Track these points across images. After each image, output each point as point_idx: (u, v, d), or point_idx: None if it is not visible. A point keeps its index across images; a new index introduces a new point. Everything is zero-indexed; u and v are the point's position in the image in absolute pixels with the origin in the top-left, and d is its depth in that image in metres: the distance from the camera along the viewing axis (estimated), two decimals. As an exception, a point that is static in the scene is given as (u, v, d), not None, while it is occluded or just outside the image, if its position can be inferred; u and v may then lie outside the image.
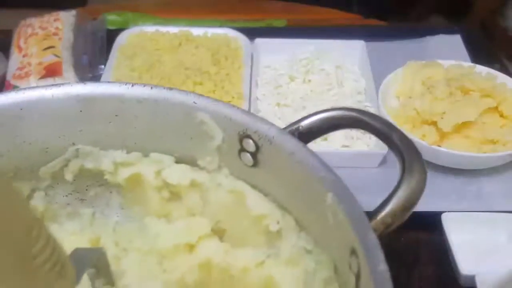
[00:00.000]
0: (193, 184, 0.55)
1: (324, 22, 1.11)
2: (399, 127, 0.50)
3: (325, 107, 0.53)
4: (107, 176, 0.57)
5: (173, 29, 0.99)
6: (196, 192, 0.56)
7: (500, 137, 0.77)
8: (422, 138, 0.77)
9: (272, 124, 0.49)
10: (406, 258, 0.70)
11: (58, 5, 1.08)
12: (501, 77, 0.86)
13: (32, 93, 0.52)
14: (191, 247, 0.54)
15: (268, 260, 0.53)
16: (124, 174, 0.56)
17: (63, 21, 0.98)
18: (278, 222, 0.52)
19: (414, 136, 0.76)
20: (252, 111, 0.81)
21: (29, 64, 0.90)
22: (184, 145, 0.54)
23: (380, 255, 0.38)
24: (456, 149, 0.76)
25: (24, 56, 0.92)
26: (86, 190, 0.59)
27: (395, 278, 0.37)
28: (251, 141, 0.50)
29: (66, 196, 0.59)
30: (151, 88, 0.52)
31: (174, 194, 0.57)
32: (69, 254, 0.41)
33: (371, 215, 0.44)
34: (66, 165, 0.56)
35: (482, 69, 0.87)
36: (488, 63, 0.91)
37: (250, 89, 0.87)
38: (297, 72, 0.91)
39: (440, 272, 0.69)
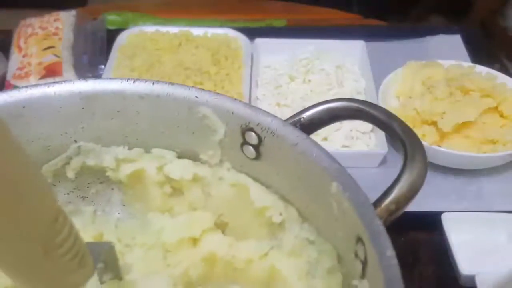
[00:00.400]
0: (195, 179, 0.56)
1: (324, 22, 1.11)
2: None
3: (325, 107, 0.53)
4: (109, 173, 0.57)
5: (173, 29, 0.99)
6: (198, 186, 0.56)
7: (500, 137, 0.77)
8: (422, 138, 0.77)
9: (275, 116, 0.49)
10: (406, 258, 0.70)
11: (58, 5, 1.08)
12: (501, 77, 0.86)
13: (34, 91, 0.52)
14: (194, 241, 0.55)
15: (271, 252, 0.53)
16: (126, 170, 0.56)
17: (63, 21, 0.98)
18: (281, 214, 0.52)
19: (414, 136, 0.76)
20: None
21: (29, 64, 0.90)
22: (186, 140, 0.55)
23: (386, 241, 0.39)
24: (456, 149, 0.76)
25: (24, 56, 0.92)
26: (87, 187, 0.59)
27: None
28: (253, 134, 0.50)
29: (68, 194, 0.59)
30: (153, 83, 0.52)
31: (176, 189, 0.57)
32: None
33: (375, 204, 0.44)
34: (68, 163, 0.56)
35: (482, 69, 0.87)
36: (488, 63, 0.91)
37: (250, 89, 0.87)
38: (297, 72, 0.91)
39: (440, 272, 0.69)
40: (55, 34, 0.95)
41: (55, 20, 0.98)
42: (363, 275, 0.42)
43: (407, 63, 0.89)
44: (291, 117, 0.52)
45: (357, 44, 0.96)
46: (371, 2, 1.54)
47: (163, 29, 0.99)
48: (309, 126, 0.52)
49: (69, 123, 0.54)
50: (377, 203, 0.45)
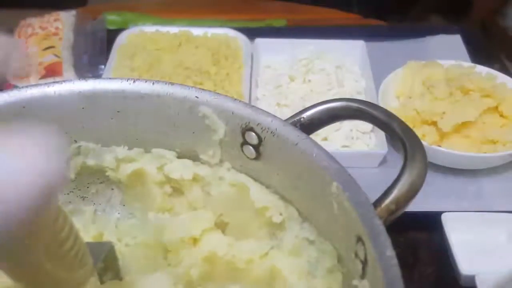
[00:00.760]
0: (195, 179, 0.56)
1: (324, 22, 1.11)
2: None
3: (325, 108, 0.53)
4: (109, 173, 0.57)
5: (173, 29, 0.99)
6: (198, 186, 0.56)
7: (500, 137, 0.77)
8: (422, 138, 0.77)
9: (275, 116, 0.50)
10: (406, 258, 0.70)
11: (58, 5, 1.08)
12: (501, 77, 0.86)
13: (34, 91, 0.52)
14: (195, 241, 0.55)
15: (271, 252, 0.53)
16: (126, 170, 0.56)
17: (63, 21, 0.98)
18: (281, 214, 0.52)
19: (414, 136, 0.76)
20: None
21: (29, 64, 0.90)
22: (186, 140, 0.55)
23: (386, 241, 0.39)
24: (456, 149, 0.76)
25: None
26: (87, 187, 0.59)
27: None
28: (253, 133, 0.50)
29: (68, 194, 0.59)
30: (153, 83, 0.52)
31: (176, 189, 0.57)
32: None
33: (375, 204, 0.44)
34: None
35: (482, 69, 0.87)
36: (488, 63, 0.91)
37: (250, 89, 0.87)
38: (297, 72, 0.91)
39: (440, 272, 0.69)
40: (55, 34, 0.95)
41: (55, 20, 0.98)
42: (363, 275, 0.42)
43: (407, 63, 0.89)
44: (291, 117, 0.52)
45: (357, 44, 0.96)
46: (371, 2, 1.54)
47: (163, 29, 0.99)
48: (309, 126, 0.52)
49: (69, 123, 0.54)
50: (377, 203, 0.45)
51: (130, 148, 0.56)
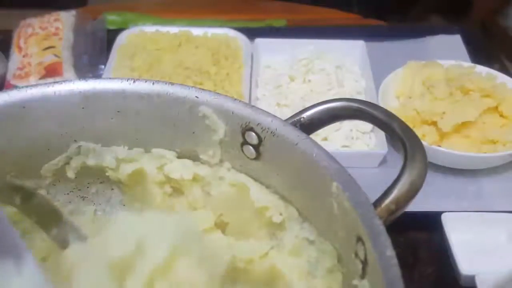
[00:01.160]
0: (195, 179, 0.56)
1: (324, 22, 1.11)
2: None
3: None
4: (109, 173, 0.57)
5: (173, 29, 0.99)
6: (198, 186, 0.56)
7: (500, 137, 0.77)
8: (422, 138, 0.77)
9: (275, 116, 0.50)
10: (406, 258, 0.70)
11: (58, 5, 1.08)
12: (501, 77, 0.86)
13: (34, 91, 0.52)
14: None
15: (271, 252, 0.53)
16: (126, 170, 0.56)
17: (63, 21, 0.98)
18: (281, 214, 0.52)
19: (414, 136, 0.76)
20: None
21: (29, 64, 0.90)
22: (186, 140, 0.55)
23: (386, 241, 0.39)
24: (456, 149, 0.76)
25: (24, 56, 0.92)
26: (88, 187, 0.59)
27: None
28: (253, 133, 0.50)
29: (68, 194, 0.59)
30: (153, 83, 0.52)
31: (176, 189, 0.57)
32: None
33: (375, 204, 0.44)
34: (68, 163, 0.56)
35: (482, 69, 0.87)
36: (488, 63, 0.91)
37: (250, 89, 0.87)
38: (297, 72, 0.91)
39: (440, 272, 0.69)
40: (55, 34, 0.95)
41: (55, 20, 0.98)
42: (363, 275, 0.42)
43: (407, 63, 0.89)
44: (291, 117, 0.52)
45: (357, 44, 0.96)
46: (371, 2, 1.54)
47: (163, 29, 0.99)
48: (309, 126, 0.52)
49: (69, 123, 0.53)
50: (377, 203, 0.45)
51: (130, 148, 0.56)
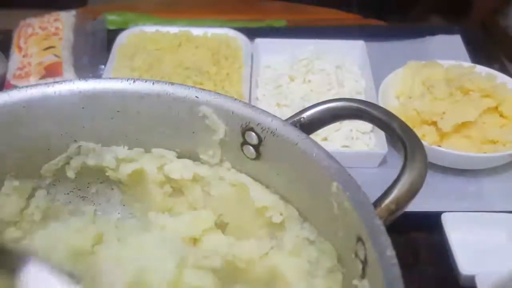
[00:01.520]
0: (195, 179, 0.56)
1: (324, 22, 1.11)
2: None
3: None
4: (109, 173, 0.57)
5: (173, 29, 0.99)
6: (198, 186, 0.56)
7: (500, 137, 0.77)
8: (422, 138, 0.77)
9: (275, 116, 0.50)
10: (406, 258, 0.70)
11: (58, 5, 1.08)
12: (501, 77, 0.86)
13: (34, 91, 0.52)
14: (195, 241, 0.55)
15: (271, 252, 0.53)
16: (126, 170, 0.56)
17: (63, 21, 0.98)
18: (281, 214, 0.52)
19: (414, 136, 0.76)
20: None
21: (29, 64, 0.90)
22: (186, 140, 0.55)
23: (386, 241, 0.39)
24: (456, 149, 0.76)
25: (24, 56, 0.92)
26: (87, 187, 0.59)
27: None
28: (253, 133, 0.50)
29: (68, 193, 0.59)
30: (153, 83, 0.52)
31: (176, 189, 0.57)
32: None
33: (375, 204, 0.44)
34: (68, 163, 0.56)
35: (482, 69, 0.87)
36: (488, 63, 0.91)
37: (250, 89, 0.87)
38: (297, 72, 0.91)
39: (440, 272, 0.69)
40: (55, 34, 0.95)
41: (55, 20, 0.98)
42: (363, 275, 0.42)
43: (407, 63, 0.89)
44: (291, 117, 0.52)
45: (357, 44, 0.96)
46: (371, 2, 1.54)
47: (163, 29, 0.99)
48: (309, 126, 0.52)
49: (69, 123, 0.54)
50: (377, 203, 0.45)
51: (130, 148, 0.56)
